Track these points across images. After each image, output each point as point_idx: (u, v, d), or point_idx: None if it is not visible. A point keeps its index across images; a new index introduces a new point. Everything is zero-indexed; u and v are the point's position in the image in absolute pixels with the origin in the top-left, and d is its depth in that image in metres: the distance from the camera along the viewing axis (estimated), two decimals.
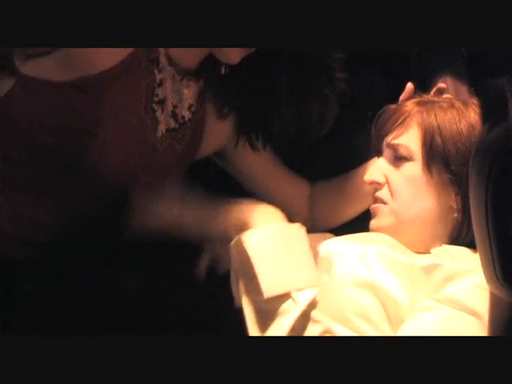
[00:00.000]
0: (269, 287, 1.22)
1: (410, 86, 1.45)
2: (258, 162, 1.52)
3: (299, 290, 1.22)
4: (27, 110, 1.28)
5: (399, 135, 1.37)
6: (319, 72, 1.41)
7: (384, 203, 1.36)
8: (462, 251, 1.32)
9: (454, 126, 1.34)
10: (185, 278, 1.32)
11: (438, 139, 1.33)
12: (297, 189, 1.55)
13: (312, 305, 1.23)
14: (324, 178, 1.56)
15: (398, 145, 1.36)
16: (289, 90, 1.40)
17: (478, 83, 1.45)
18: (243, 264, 1.24)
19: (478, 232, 1.07)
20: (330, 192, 1.54)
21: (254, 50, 1.31)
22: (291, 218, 1.52)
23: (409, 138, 1.36)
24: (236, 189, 1.56)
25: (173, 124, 1.38)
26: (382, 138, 1.40)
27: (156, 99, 1.33)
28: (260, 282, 1.22)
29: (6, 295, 1.24)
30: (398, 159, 1.36)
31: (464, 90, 1.46)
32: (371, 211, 1.39)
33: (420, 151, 1.34)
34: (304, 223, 1.44)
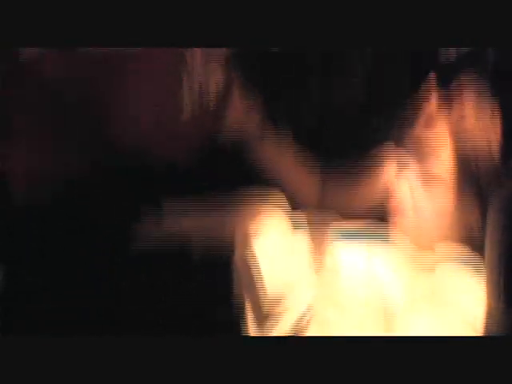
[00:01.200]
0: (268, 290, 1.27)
1: (432, 75, 1.44)
2: (273, 151, 1.53)
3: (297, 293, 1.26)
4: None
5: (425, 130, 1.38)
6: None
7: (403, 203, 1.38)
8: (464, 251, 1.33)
9: (485, 138, 1.34)
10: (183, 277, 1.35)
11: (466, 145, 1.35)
12: (308, 176, 1.57)
13: (309, 308, 1.26)
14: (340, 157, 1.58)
15: (424, 139, 1.37)
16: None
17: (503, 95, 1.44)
18: (246, 272, 1.29)
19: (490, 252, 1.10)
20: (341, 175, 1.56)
21: None
22: (300, 204, 1.54)
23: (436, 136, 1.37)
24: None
25: (197, 110, 1.40)
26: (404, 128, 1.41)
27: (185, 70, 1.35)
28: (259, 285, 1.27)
29: (5, 295, 1.25)
30: (421, 154, 1.37)
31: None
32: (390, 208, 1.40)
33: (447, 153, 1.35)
34: (314, 204, 1.46)
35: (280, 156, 1.53)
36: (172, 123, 1.38)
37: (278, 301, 1.26)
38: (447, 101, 1.40)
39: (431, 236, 1.37)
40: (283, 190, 1.53)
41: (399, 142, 1.42)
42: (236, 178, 1.51)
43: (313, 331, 1.26)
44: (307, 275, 1.28)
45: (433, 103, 1.40)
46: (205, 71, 1.40)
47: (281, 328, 1.24)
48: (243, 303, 1.27)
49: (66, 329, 1.21)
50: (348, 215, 1.53)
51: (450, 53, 1.59)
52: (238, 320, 1.25)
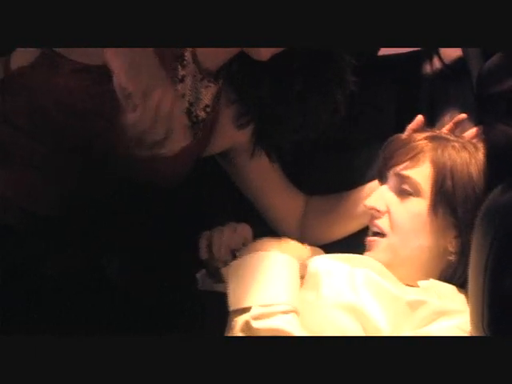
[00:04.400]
0: (234, 301, 1.25)
1: (420, 118, 1.45)
2: (261, 169, 1.54)
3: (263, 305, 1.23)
4: (47, 84, 1.29)
5: (409, 168, 1.35)
6: (333, 73, 1.43)
7: (383, 233, 1.36)
8: (449, 289, 1.31)
9: (466, 170, 1.33)
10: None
11: (449, 182, 1.32)
12: (292, 201, 1.56)
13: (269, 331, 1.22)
14: (320, 194, 1.58)
15: (407, 177, 1.34)
16: (303, 92, 1.42)
17: (486, 126, 1.45)
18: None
19: (474, 282, 1.09)
20: (324, 209, 1.55)
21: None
22: (282, 229, 1.53)
23: (420, 174, 1.34)
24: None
25: (186, 121, 1.38)
26: (388, 165, 1.39)
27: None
28: (228, 295, 1.26)
29: (6, 295, 1.23)
30: (404, 192, 1.35)
31: (472, 129, 1.46)
32: (367, 243, 1.38)
33: (429, 190, 1.33)
34: (294, 236, 1.45)
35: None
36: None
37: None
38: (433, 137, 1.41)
39: (416, 272, 1.36)
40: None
41: (382, 179, 1.42)
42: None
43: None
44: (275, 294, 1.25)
45: (418, 140, 1.41)
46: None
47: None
48: None
49: (66, 328, 1.20)
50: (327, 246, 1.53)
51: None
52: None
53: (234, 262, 1.30)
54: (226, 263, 1.32)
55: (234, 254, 1.33)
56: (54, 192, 1.34)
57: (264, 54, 1.33)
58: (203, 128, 1.43)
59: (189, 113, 1.39)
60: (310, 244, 1.50)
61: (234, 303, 1.25)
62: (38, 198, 1.34)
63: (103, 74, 1.25)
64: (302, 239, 1.50)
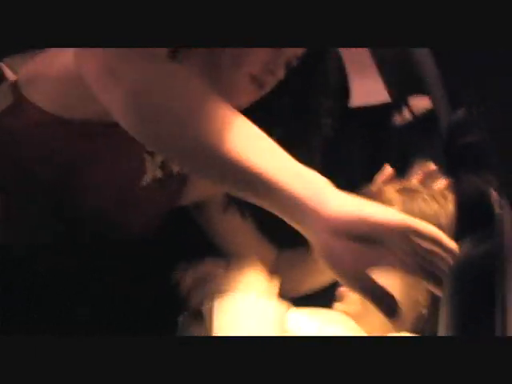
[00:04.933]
0: None
1: (388, 169, 1.45)
2: (233, 224, 1.53)
3: None
4: (19, 133, 1.28)
5: None
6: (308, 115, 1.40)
7: None
8: None
9: (436, 222, 1.32)
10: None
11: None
12: (264, 256, 1.54)
13: None
14: (293, 247, 1.56)
15: None
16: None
17: (456, 177, 1.45)
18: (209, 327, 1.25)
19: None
20: (295, 263, 1.54)
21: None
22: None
23: None
24: None
25: (159, 175, 1.37)
26: None
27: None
28: None
29: (6, 295, 1.23)
30: None
31: (441, 180, 1.46)
32: (337, 294, 1.37)
33: None
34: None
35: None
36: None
37: None
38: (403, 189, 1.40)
39: (387, 325, 1.34)
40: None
41: None
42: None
43: None
44: None
45: (387, 193, 1.40)
46: None
47: None
48: None
49: (66, 328, 1.19)
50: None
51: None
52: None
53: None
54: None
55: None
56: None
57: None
58: (177, 180, 1.41)
59: (162, 167, 1.37)
60: (280, 297, 1.49)
61: None
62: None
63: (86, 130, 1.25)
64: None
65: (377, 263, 1.01)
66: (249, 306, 1.26)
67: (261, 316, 1.25)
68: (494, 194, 1.15)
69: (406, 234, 0.98)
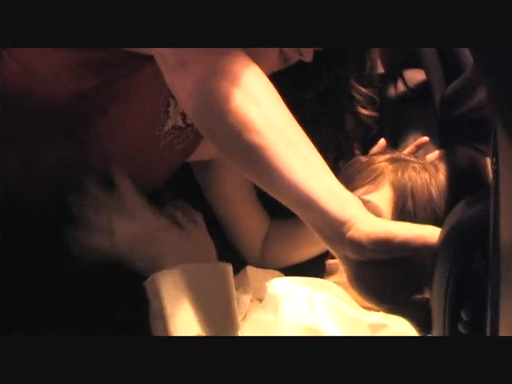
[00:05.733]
0: (178, 329, 1.17)
1: (382, 141, 1.44)
2: (237, 184, 1.51)
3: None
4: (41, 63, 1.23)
5: (370, 192, 1.35)
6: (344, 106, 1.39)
7: None
8: None
9: (426, 191, 1.32)
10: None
11: (410, 203, 1.31)
12: (259, 221, 1.55)
13: None
14: (284, 217, 1.55)
15: (367, 201, 1.32)
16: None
17: (448, 148, 1.45)
18: (156, 303, 1.19)
19: (435, 306, 1.06)
20: (285, 232, 1.53)
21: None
22: (244, 247, 1.51)
23: (380, 197, 1.33)
24: None
25: (180, 122, 1.36)
26: (349, 189, 1.36)
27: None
28: (169, 323, 1.17)
29: (6, 295, 1.20)
30: None
31: (434, 152, 1.45)
32: (327, 266, 1.36)
33: (390, 212, 1.32)
34: (256, 257, 1.42)
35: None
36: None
37: None
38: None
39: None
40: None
41: None
42: None
43: None
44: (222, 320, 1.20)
45: (378, 163, 1.39)
46: None
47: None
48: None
49: (67, 328, 1.17)
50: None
51: None
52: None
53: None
54: None
55: None
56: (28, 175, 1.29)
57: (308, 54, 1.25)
58: (195, 132, 1.39)
59: (183, 114, 1.35)
60: (270, 267, 1.49)
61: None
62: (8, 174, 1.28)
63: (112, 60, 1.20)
64: (262, 260, 1.48)
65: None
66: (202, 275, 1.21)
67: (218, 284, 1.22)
68: (488, 163, 1.14)
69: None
